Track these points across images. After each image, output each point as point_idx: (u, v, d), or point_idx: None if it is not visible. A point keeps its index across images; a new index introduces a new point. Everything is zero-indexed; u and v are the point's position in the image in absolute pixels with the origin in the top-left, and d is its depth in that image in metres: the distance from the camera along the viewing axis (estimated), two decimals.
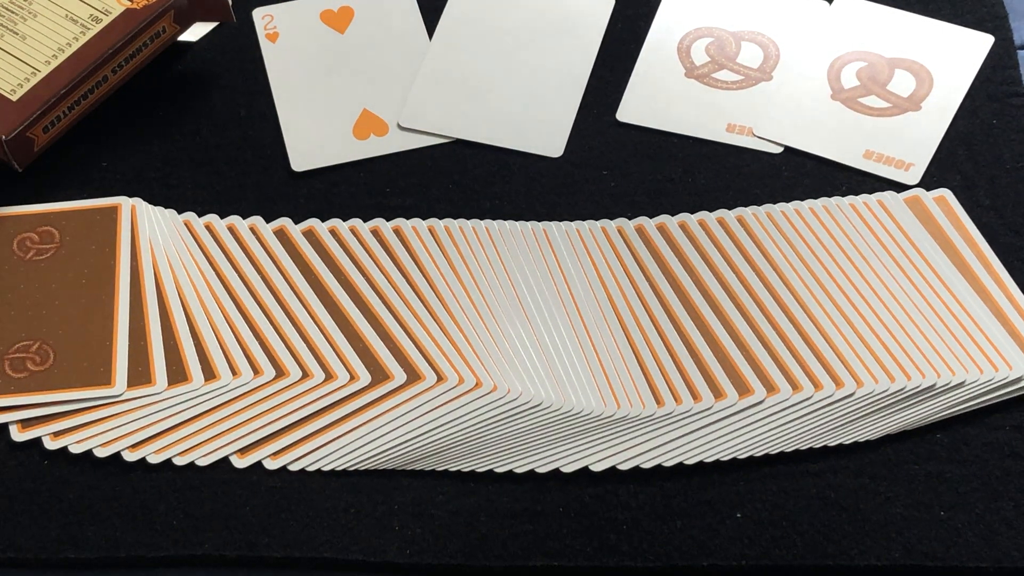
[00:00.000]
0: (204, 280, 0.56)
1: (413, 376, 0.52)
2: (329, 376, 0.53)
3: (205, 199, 0.59)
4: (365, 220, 0.58)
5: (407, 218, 0.58)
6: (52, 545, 0.49)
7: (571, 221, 0.57)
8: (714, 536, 0.49)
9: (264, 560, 0.49)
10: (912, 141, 0.60)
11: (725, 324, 0.54)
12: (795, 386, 0.52)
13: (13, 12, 0.59)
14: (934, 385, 0.51)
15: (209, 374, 0.53)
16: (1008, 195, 0.58)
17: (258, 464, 0.51)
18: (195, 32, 0.64)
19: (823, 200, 0.58)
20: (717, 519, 0.49)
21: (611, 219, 0.57)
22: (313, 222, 0.58)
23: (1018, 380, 0.52)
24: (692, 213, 0.57)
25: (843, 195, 0.58)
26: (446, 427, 0.51)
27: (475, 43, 0.64)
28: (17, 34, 0.58)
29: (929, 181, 0.58)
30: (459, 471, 0.50)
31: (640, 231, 0.57)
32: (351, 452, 0.51)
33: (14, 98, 0.56)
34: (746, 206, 0.58)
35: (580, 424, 0.51)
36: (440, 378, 0.52)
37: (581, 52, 0.64)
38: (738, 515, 0.49)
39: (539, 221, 0.57)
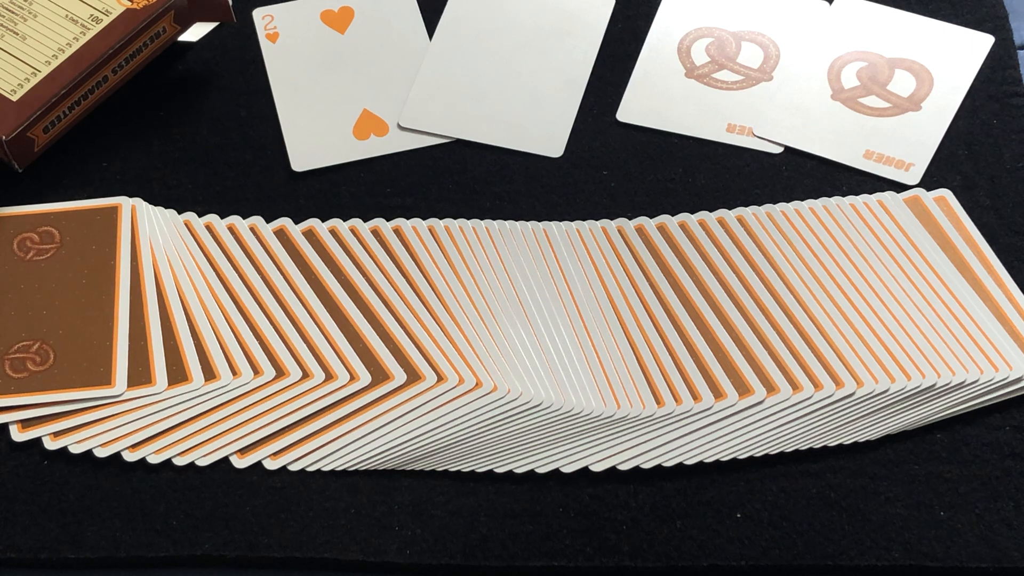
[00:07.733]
0: (204, 280, 0.56)
1: (413, 376, 0.52)
2: (329, 376, 0.53)
3: (205, 199, 0.59)
4: (365, 220, 0.58)
5: (407, 218, 0.58)
6: (52, 545, 0.49)
7: (571, 221, 0.57)
8: (714, 536, 0.49)
9: (264, 560, 0.49)
10: (912, 141, 0.60)
11: (725, 324, 0.54)
12: (795, 386, 0.52)
13: (13, 12, 0.59)
14: (934, 385, 0.51)
15: (209, 374, 0.53)
16: (1008, 195, 0.58)
17: (258, 464, 0.51)
18: (195, 32, 0.64)
19: (823, 200, 0.58)
20: (717, 519, 0.49)
21: (611, 219, 0.57)
22: (313, 222, 0.58)
23: (1018, 380, 0.52)
24: (692, 213, 0.57)
25: (843, 195, 0.58)
26: (446, 427, 0.51)
27: (475, 43, 0.64)
28: (17, 34, 0.58)
29: (929, 181, 0.58)
30: (459, 471, 0.50)
31: (640, 231, 0.57)
32: (351, 452, 0.51)
33: (14, 98, 0.56)
34: (746, 206, 0.58)
35: (580, 424, 0.51)
36: (440, 378, 0.52)
37: (581, 52, 0.64)
38: (738, 515, 0.49)
39: (539, 221, 0.57)
